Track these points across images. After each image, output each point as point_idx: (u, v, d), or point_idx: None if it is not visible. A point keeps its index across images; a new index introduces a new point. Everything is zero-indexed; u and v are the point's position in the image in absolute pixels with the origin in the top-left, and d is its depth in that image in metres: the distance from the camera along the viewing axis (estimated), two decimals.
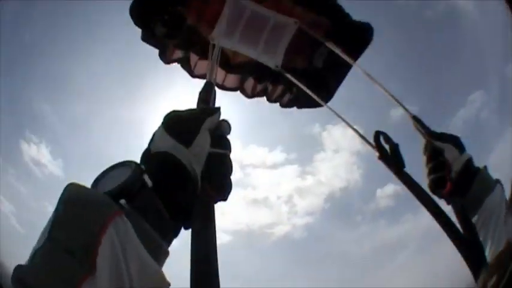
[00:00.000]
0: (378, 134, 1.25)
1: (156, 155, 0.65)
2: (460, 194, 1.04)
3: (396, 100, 1.30)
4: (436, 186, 1.10)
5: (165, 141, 0.66)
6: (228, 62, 1.65)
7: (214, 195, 0.70)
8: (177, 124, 0.70)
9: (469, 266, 0.96)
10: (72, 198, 0.56)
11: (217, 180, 0.70)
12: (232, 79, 1.71)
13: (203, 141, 0.69)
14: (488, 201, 1.00)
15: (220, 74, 1.66)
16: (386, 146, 1.24)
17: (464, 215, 1.02)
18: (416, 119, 1.23)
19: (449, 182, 1.07)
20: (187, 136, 0.67)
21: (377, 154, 1.24)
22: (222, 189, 0.72)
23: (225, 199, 0.72)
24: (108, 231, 0.53)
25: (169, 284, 0.61)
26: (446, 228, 1.04)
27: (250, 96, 1.78)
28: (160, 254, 0.61)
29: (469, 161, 1.09)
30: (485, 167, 1.09)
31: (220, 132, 0.75)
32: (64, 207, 0.55)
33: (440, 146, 1.12)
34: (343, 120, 1.45)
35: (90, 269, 0.50)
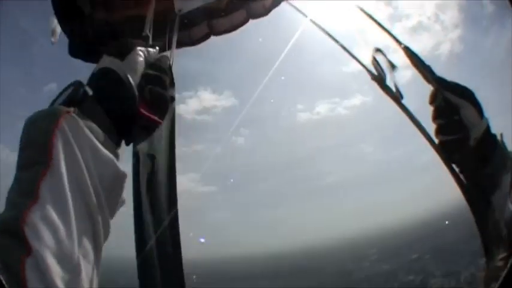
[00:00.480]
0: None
1: (97, 71, 0.77)
2: (479, 166, 0.80)
3: (385, 29, 0.93)
4: (449, 149, 0.86)
5: (105, 60, 0.78)
6: (218, 11, 1.50)
7: (151, 110, 0.77)
8: (114, 48, 0.81)
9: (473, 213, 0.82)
10: (28, 121, 0.65)
11: (152, 96, 0.78)
12: (236, 16, 1.56)
13: (136, 58, 0.79)
14: (505, 180, 0.75)
15: (221, 23, 1.56)
16: None
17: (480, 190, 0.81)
18: (409, 51, 0.88)
19: (468, 148, 0.82)
20: (121, 54, 0.78)
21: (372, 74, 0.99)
22: (157, 104, 0.80)
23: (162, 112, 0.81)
24: (60, 125, 0.61)
25: (125, 175, 0.69)
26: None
27: (265, 14, 1.58)
28: (109, 147, 0.69)
29: (488, 127, 0.83)
30: (501, 135, 0.81)
31: (159, 62, 0.85)
32: (23, 133, 0.64)
33: (455, 101, 0.86)
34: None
35: (47, 162, 0.58)
